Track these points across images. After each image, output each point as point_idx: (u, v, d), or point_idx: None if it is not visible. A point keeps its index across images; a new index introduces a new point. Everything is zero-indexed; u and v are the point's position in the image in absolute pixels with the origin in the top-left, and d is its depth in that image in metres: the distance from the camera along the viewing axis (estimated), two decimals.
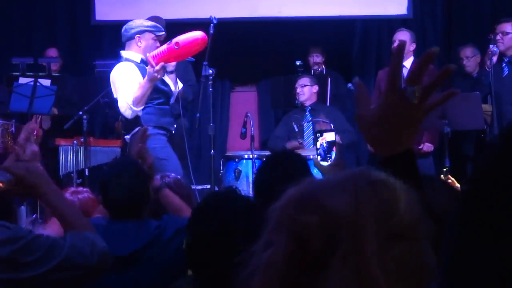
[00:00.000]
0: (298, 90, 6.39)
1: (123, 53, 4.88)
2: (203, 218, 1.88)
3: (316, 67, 7.01)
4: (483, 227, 0.88)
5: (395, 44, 5.94)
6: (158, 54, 4.58)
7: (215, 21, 5.25)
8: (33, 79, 5.80)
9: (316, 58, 7.02)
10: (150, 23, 4.93)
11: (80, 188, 3.39)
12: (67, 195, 3.05)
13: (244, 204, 1.87)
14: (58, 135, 6.35)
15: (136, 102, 4.65)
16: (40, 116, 6.02)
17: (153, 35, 4.88)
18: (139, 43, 4.84)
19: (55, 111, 6.53)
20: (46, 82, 5.93)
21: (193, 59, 5.29)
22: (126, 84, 4.70)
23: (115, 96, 4.79)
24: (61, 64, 7.02)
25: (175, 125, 5.02)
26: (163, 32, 5.00)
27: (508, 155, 0.90)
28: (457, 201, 0.94)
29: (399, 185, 0.89)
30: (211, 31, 5.20)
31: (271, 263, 0.88)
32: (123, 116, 4.78)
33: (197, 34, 4.69)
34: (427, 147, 5.99)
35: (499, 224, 0.86)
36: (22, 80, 5.89)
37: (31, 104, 5.70)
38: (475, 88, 5.97)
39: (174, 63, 4.97)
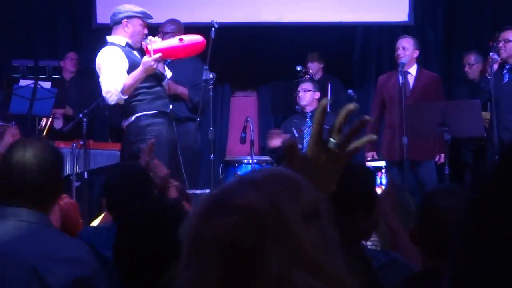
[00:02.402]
0: (300, 94, 6.37)
1: (109, 37, 4.85)
2: (125, 230, 1.82)
3: (313, 74, 6.95)
4: (492, 234, 0.88)
5: (399, 52, 5.93)
6: (159, 47, 4.58)
7: (216, 26, 5.25)
8: (33, 81, 5.80)
9: (313, 65, 6.99)
10: (139, 9, 4.88)
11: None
12: None
13: (171, 213, 1.77)
14: (57, 137, 6.34)
15: (124, 90, 4.62)
16: (51, 116, 6.04)
17: (141, 21, 4.84)
18: (126, 28, 4.80)
19: (69, 111, 6.56)
20: (47, 85, 5.93)
21: None
22: (113, 68, 4.65)
23: (100, 80, 4.73)
24: (77, 66, 7.11)
25: (170, 106, 4.98)
26: (151, 19, 4.97)
27: None
28: (465, 208, 0.95)
29: (293, 173, 0.98)
30: (212, 35, 5.20)
31: (202, 277, 0.88)
32: (105, 100, 4.73)
33: (200, 38, 4.75)
34: (442, 158, 5.90)
35: (508, 232, 0.87)
36: (23, 83, 5.89)
37: (31, 107, 5.69)
38: (475, 94, 5.97)
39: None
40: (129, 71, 4.69)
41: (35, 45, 7.53)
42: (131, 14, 4.82)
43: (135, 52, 4.86)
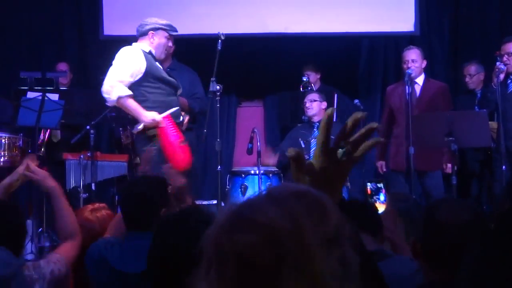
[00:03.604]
0: (307, 105, 6.37)
1: (135, 44, 4.96)
2: (162, 235, 1.86)
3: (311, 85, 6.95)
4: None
5: (409, 64, 5.92)
6: (169, 121, 4.66)
7: (222, 37, 5.28)
8: (41, 93, 5.83)
9: (311, 77, 6.98)
10: (164, 21, 5.01)
11: (97, 205, 3.38)
12: (87, 213, 3.11)
13: (205, 221, 1.81)
14: (65, 149, 6.37)
15: (120, 103, 4.70)
16: (48, 130, 6.06)
17: (166, 34, 4.97)
18: (151, 39, 4.92)
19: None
20: (54, 97, 5.96)
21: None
22: (122, 71, 4.72)
23: (106, 75, 4.79)
24: (71, 78, 7.08)
25: (181, 117, 5.02)
26: (176, 32, 5.08)
27: None
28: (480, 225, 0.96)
29: (320, 194, 0.96)
30: (219, 47, 5.22)
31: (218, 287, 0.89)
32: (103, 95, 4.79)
33: (185, 163, 4.69)
34: (449, 168, 5.92)
35: None
36: (30, 95, 5.92)
37: (38, 119, 5.71)
38: (481, 104, 5.97)
39: (167, 65, 5.05)
40: (145, 75, 4.77)
41: (42, 57, 7.57)
42: (157, 26, 4.94)
43: (157, 63, 4.93)
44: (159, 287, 1.83)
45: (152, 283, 1.84)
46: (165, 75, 4.92)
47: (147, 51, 4.87)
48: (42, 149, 6.15)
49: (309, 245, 0.88)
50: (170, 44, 5.03)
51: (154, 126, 4.69)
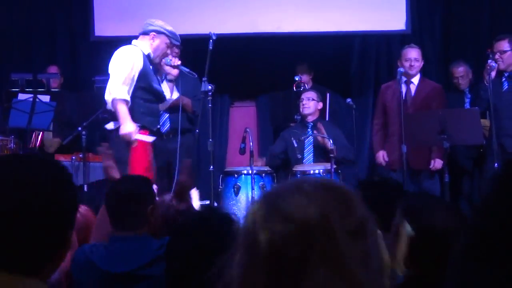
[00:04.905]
0: (304, 102, 6.34)
1: (134, 41, 4.92)
2: (181, 236, 1.90)
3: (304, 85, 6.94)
4: (491, 252, 0.90)
5: (413, 63, 5.92)
6: (141, 150, 4.59)
7: (214, 37, 5.26)
8: (32, 95, 5.80)
9: (304, 77, 6.97)
10: (170, 28, 4.95)
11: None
12: None
13: (220, 222, 1.89)
14: (57, 151, 6.34)
15: (112, 105, 4.65)
16: (40, 136, 6.02)
17: (167, 40, 4.92)
18: (152, 41, 4.87)
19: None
20: (45, 98, 5.93)
21: (195, 75, 5.28)
22: (122, 76, 4.67)
23: (109, 81, 4.72)
24: (61, 81, 7.05)
25: (159, 124, 4.99)
26: (178, 43, 5.06)
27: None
28: (464, 227, 0.98)
29: (347, 188, 1.02)
30: (210, 46, 5.21)
31: (249, 275, 0.95)
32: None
33: None
34: (438, 163, 5.93)
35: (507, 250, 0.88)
36: (21, 96, 5.89)
37: (30, 120, 5.69)
38: (475, 104, 5.98)
39: (176, 73, 5.01)
40: (140, 78, 4.74)
41: (33, 58, 7.55)
42: (161, 30, 4.89)
43: (151, 68, 4.91)
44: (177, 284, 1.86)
45: (170, 284, 1.89)
46: (154, 83, 4.85)
47: (146, 53, 4.83)
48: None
49: (336, 235, 0.94)
50: (169, 52, 4.97)
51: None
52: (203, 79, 5.21)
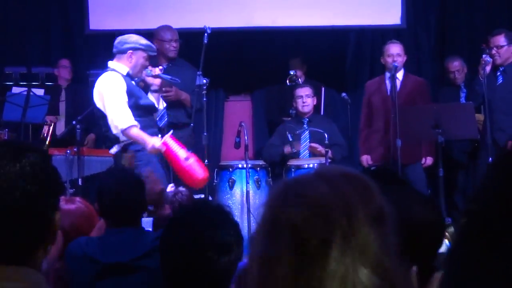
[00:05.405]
0: (304, 100, 6.34)
1: (110, 63, 4.87)
2: (174, 229, 1.91)
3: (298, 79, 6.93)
4: (489, 244, 0.91)
5: (395, 58, 5.89)
6: (172, 147, 4.64)
7: (209, 31, 5.26)
8: (26, 88, 5.79)
9: (297, 72, 6.96)
10: (145, 41, 4.92)
11: (73, 198, 3.34)
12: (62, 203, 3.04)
13: (214, 215, 1.89)
14: (51, 144, 6.33)
15: (125, 133, 4.67)
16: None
17: (145, 54, 4.89)
18: (129, 59, 4.83)
19: (53, 119, 6.54)
20: (40, 92, 5.92)
21: (178, 80, 5.29)
22: (118, 102, 4.68)
23: (101, 108, 4.74)
24: (72, 75, 7.08)
25: (159, 135, 5.01)
26: (155, 53, 5.05)
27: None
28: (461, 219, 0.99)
29: (366, 177, 1.04)
30: (205, 40, 5.20)
31: (275, 257, 0.96)
32: (110, 130, 4.76)
33: (202, 174, 4.71)
34: (429, 160, 5.94)
35: (505, 240, 0.89)
36: (15, 90, 5.89)
37: (24, 114, 5.68)
38: (470, 99, 5.99)
39: (159, 82, 5.02)
40: (128, 99, 4.73)
41: (28, 52, 7.51)
42: (137, 46, 4.86)
43: (133, 82, 4.90)
44: (173, 282, 1.87)
45: (166, 278, 1.90)
46: (142, 99, 4.86)
47: (125, 74, 4.81)
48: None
49: (356, 220, 0.96)
50: (147, 63, 4.94)
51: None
52: (198, 73, 5.20)
